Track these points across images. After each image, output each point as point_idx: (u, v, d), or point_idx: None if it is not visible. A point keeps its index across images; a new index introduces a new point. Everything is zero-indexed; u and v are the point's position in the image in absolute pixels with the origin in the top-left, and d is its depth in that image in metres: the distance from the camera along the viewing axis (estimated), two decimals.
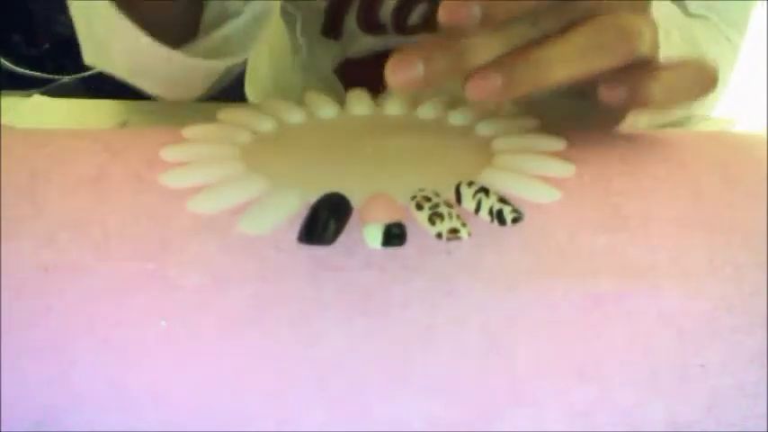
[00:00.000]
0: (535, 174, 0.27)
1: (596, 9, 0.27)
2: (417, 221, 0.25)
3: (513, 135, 0.30)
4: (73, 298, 0.25)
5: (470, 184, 0.26)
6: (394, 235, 0.24)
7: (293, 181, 0.27)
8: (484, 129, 0.31)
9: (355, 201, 0.25)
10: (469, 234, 0.24)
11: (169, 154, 0.28)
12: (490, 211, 0.25)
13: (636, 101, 0.28)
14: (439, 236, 0.24)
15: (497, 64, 0.26)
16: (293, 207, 0.25)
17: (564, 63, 0.26)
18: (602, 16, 0.27)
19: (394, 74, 0.26)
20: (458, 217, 0.25)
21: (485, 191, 0.26)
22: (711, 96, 0.48)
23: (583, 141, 0.29)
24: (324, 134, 0.31)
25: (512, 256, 0.25)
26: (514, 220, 0.25)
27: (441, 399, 0.25)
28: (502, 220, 0.25)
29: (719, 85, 0.50)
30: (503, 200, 0.26)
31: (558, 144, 0.28)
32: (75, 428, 0.26)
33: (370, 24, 0.42)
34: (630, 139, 0.29)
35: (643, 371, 0.24)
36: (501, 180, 0.27)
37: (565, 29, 0.27)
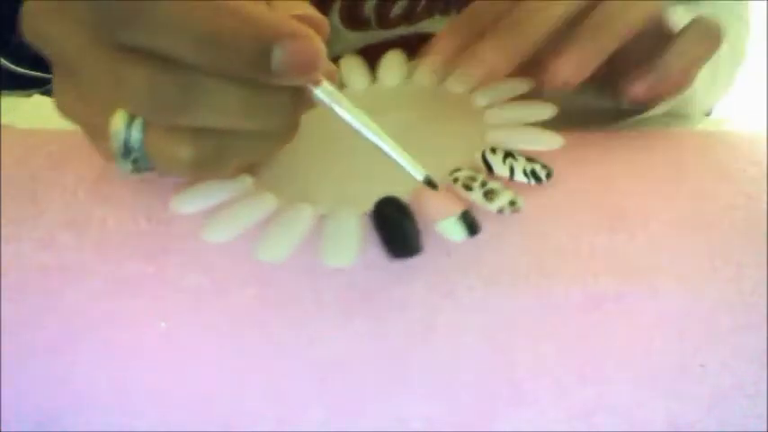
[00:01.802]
0: (526, 149, 0.27)
1: None
2: (469, 201, 0.24)
3: (504, 106, 0.29)
4: (73, 299, 0.25)
5: (494, 150, 0.26)
6: (473, 222, 0.24)
7: (301, 191, 0.26)
8: (477, 99, 0.30)
9: (368, 198, 0.25)
10: (523, 202, 0.24)
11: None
12: (525, 173, 0.25)
13: (657, 84, 0.29)
14: (501, 210, 0.24)
15: (570, 39, 0.28)
16: (306, 225, 0.25)
17: (627, 12, 0.28)
18: None
19: (476, 67, 0.28)
20: (506, 187, 0.25)
21: (511, 155, 0.26)
22: (732, 69, 0.48)
23: (583, 141, 0.29)
24: (317, 123, 0.30)
25: (512, 257, 0.25)
26: (548, 176, 0.25)
27: (440, 399, 0.25)
28: (537, 178, 0.25)
29: (738, 61, 0.50)
30: (530, 158, 0.26)
31: (549, 110, 0.28)
32: (76, 429, 0.26)
33: (354, 20, 0.43)
34: (630, 139, 0.29)
35: (643, 371, 0.24)
36: (504, 138, 0.27)
37: None
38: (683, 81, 0.30)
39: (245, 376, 0.25)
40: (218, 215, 0.25)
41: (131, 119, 0.22)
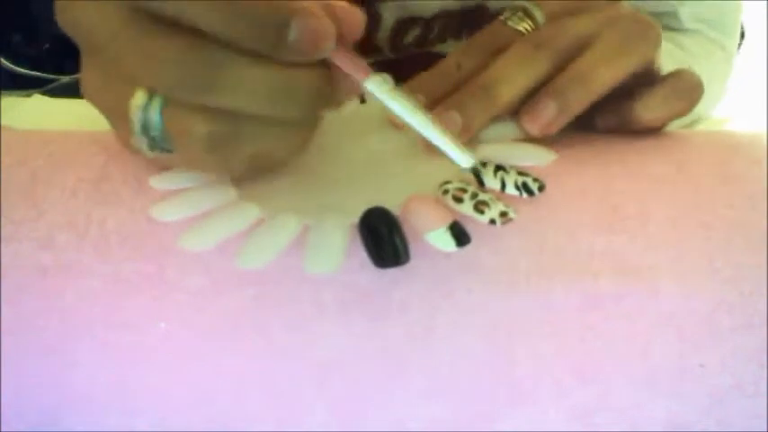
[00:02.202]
0: (517, 164, 0.27)
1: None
2: (461, 214, 0.24)
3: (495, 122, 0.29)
4: (73, 300, 0.25)
5: (485, 164, 0.26)
6: (462, 233, 0.24)
7: (290, 202, 0.26)
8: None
9: (358, 209, 0.25)
10: (515, 213, 0.24)
11: (158, 182, 0.27)
12: (516, 186, 0.25)
13: (628, 125, 0.29)
14: (492, 222, 0.24)
15: (545, 92, 0.27)
16: (290, 234, 0.24)
17: (607, 65, 0.27)
18: (620, 16, 0.29)
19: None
20: (499, 199, 0.24)
21: (502, 168, 0.26)
22: (710, 103, 0.49)
23: (583, 141, 0.29)
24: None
25: (511, 258, 0.25)
26: (540, 189, 0.25)
27: (440, 400, 0.25)
28: (529, 191, 0.25)
29: (719, 94, 0.50)
30: (521, 172, 0.26)
31: (548, 156, 0.28)
32: (76, 429, 0.26)
33: (368, 48, 0.42)
34: (630, 139, 0.29)
35: (643, 371, 0.25)
36: (495, 153, 0.27)
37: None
38: (651, 127, 0.30)
39: (244, 377, 0.25)
40: (197, 224, 0.25)
41: (152, 95, 0.22)
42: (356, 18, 0.23)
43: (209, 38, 0.21)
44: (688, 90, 0.29)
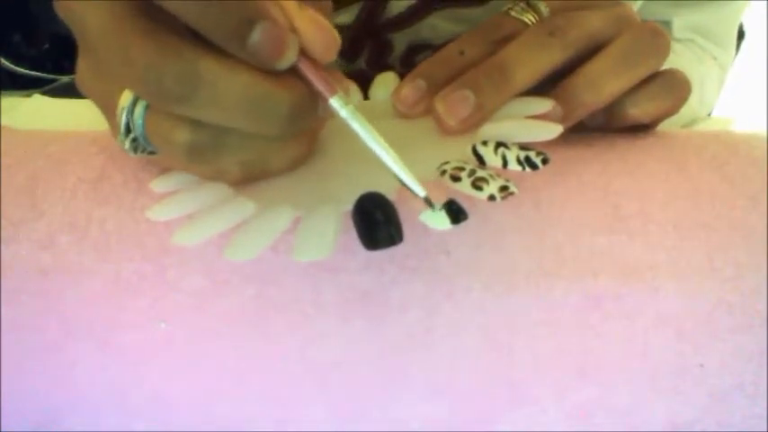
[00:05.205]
0: (522, 139, 0.26)
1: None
2: (459, 192, 0.24)
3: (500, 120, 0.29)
4: (73, 300, 0.25)
5: (485, 143, 0.26)
6: (458, 210, 0.23)
7: (283, 196, 0.26)
8: None
9: (352, 198, 0.24)
10: (516, 187, 0.24)
11: (158, 186, 0.27)
12: (519, 161, 0.25)
13: (615, 120, 0.29)
14: (492, 198, 0.23)
15: (555, 95, 0.27)
16: (280, 225, 0.24)
17: (616, 76, 0.27)
18: (630, 18, 0.29)
19: (452, 114, 0.27)
20: (498, 175, 0.24)
21: (503, 144, 0.25)
22: (707, 103, 0.49)
23: (583, 141, 0.29)
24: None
25: (511, 257, 0.25)
26: (544, 162, 0.25)
27: (440, 400, 0.25)
28: (532, 165, 0.24)
29: (709, 103, 0.50)
30: (524, 147, 0.25)
31: (546, 104, 0.27)
32: (76, 429, 0.26)
33: (380, 68, 0.43)
34: (630, 139, 0.29)
35: (643, 371, 0.25)
36: (498, 132, 0.26)
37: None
38: (639, 122, 0.30)
39: (244, 377, 0.25)
40: (190, 220, 0.25)
41: (136, 99, 0.22)
42: (329, 38, 0.23)
43: (190, 41, 0.20)
44: (676, 87, 0.29)
